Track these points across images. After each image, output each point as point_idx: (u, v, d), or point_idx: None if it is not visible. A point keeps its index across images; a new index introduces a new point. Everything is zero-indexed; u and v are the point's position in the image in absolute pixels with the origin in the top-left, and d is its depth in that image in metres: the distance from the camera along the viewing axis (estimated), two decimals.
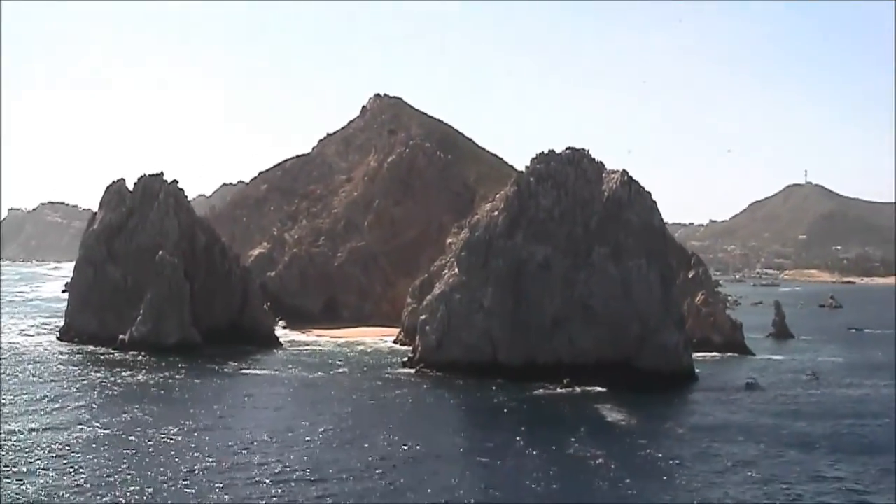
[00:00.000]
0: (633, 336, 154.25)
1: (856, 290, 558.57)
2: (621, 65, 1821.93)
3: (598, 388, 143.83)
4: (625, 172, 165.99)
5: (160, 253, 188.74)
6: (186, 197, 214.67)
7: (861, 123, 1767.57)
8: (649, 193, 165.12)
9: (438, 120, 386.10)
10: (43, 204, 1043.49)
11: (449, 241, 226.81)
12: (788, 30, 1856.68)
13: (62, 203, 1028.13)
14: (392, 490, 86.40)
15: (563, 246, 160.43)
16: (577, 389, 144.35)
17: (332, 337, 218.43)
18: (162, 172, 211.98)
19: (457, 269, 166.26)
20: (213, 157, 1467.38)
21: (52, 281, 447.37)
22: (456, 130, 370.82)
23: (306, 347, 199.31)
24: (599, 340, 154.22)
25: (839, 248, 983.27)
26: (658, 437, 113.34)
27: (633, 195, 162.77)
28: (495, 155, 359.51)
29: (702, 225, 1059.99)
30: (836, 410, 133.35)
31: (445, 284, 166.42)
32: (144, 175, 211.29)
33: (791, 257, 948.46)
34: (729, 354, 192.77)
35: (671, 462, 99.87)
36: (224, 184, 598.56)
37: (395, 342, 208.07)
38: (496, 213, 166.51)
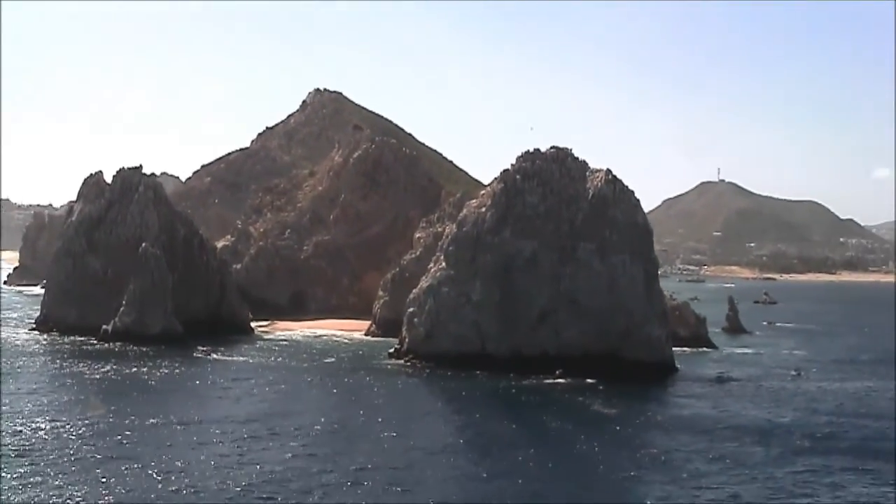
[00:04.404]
0: (618, 329, 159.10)
1: (781, 287, 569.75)
2: (548, 60, 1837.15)
3: (587, 380, 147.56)
4: (609, 171, 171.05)
5: (143, 245, 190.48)
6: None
7: (773, 123, 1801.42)
8: (632, 192, 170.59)
9: (380, 115, 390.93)
10: None
11: (417, 235, 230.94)
12: (702, 29, 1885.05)
13: None
14: (395, 481, 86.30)
15: (550, 242, 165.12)
16: (566, 380, 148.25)
17: (302, 329, 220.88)
18: (141, 165, 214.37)
19: (444, 263, 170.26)
20: (147, 152, 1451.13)
21: None
22: (397, 126, 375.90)
23: (282, 339, 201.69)
24: (585, 333, 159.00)
25: (753, 244, 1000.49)
26: (649, 428, 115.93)
27: (617, 193, 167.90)
28: (435, 150, 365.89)
29: None
30: (820, 405, 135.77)
31: (433, 278, 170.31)
32: (123, 168, 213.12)
33: (707, 254, 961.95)
34: (695, 349, 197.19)
35: (663, 453, 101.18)
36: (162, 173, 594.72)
37: (366, 334, 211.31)
38: (483, 209, 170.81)
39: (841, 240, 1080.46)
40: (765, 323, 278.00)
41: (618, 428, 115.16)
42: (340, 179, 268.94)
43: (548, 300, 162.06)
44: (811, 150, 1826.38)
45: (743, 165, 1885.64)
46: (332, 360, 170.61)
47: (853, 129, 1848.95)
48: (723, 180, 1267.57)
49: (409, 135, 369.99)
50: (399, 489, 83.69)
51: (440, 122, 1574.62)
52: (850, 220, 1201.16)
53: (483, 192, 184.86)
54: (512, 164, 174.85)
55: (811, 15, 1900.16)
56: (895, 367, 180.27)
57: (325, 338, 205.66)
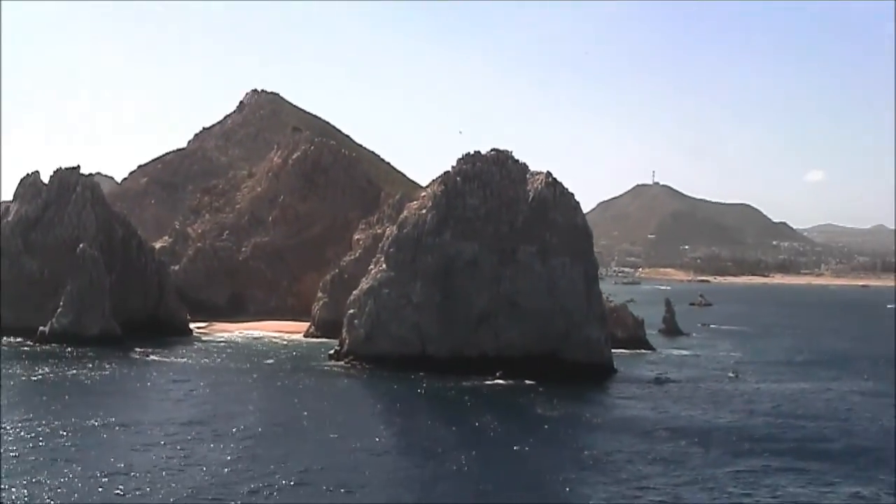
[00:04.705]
0: (558, 331, 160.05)
1: (716, 289, 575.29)
2: (483, 62, 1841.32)
3: (527, 381, 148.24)
4: (549, 174, 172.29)
5: (81, 245, 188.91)
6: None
7: (707, 125, 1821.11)
8: (572, 195, 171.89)
9: (317, 116, 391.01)
10: None
11: (356, 236, 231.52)
12: (638, 30, 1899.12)
13: None
14: (339, 483, 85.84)
15: (490, 244, 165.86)
16: (506, 382, 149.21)
17: (241, 330, 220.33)
18: (78, 166, 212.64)
19: (385, 265, 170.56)
20: (81, 153, 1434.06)
21: None
22: (334, 127, 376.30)
23: (221, 340, 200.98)
24: (525, 335, 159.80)
25: (687, 247, 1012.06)
26: (589, 430, 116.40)
27: (557, 196, 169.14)
28: (372, 152, 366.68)
29: None
30: (758, 406, 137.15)
31: (373, 279, 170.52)
32: (60, 168, 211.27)
33: (641, 256, 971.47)
34: (633, 350, 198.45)
35: (604, 455, 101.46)
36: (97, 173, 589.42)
37: (305, 336, 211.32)
38: (424, 211, 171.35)
39: (773, 242, 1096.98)
40: (700, 325, 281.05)
41: (558, 429, 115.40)
42: (279, 181, 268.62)
43: (488, 302, 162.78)
44: (744, 153, 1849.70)
45: (677, 168, 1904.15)
46: (272, 361, 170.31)
47: (786, 132, 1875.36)
48: (657, 183, 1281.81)
49: (347, 136, 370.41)
50: (343, 490, 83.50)
51: (376, 124, 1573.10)
52: (783, 223, 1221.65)
53: (423, 193, 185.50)
54: (452, 167, 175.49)
55: (743, 16, 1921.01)
56: (829, 368, 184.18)
57: (264, 339, 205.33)
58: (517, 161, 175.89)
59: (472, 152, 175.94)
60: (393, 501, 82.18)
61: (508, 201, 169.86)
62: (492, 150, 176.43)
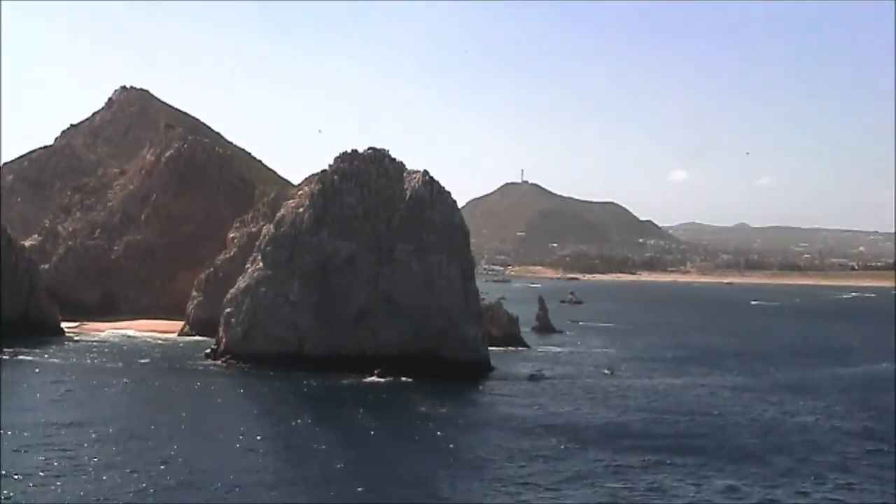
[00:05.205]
0: (435, 329, 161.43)
1: (585, 287, 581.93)
2: (347, 62, 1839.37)
3: (405, 379, 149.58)
4: (426, 172, 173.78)
5: None
6: None
7: (574, 125, 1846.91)
8: (449, 193, 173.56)
9: (188, 114, 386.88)
10: None
11: (231, 235, 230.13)
12: (503, 30, 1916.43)
13: None
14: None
15: (368, 242, 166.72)
16: (384, 380, 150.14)
17: (114, 329, 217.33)
18: None
19: (262, 264, 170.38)
20: None
21: None
22: (205, 125, 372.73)
23: (94, 340, 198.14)
24: (403, 333, 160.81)
25: (556, 245, 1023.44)
26: (468, 428, 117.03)
27: (434, 194, 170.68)
28: (244, 150, 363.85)
29: None
30: (633, 402, 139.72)
31: (250, 278, 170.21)
32: None
33: (511, 254, 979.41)
34: (508, 348, 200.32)
35: (483, 453, 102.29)
36: None
37: (179, 335, 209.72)
38: (301, 209, 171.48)
39: (640, 240, 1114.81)
40: (570, 321, 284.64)
41: (437, 428, 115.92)
42: (152, 178, 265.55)
43: (366, 300, 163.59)
44: (611, 153, 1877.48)
45: (546, 167, 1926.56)
46: (148, 360, 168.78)
47: (651, 131, 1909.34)
48: (526, 181, 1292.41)
49: (218, 134, 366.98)
50: (227, 492, 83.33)
51: (246, 122, 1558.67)
52: (649, 221, 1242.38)
53: (300, 192, 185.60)
54: (330, 165, 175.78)
55: (608, 12, 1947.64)
56: (700, 364, 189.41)
57: (137, 339, 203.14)
58: (394, 160, 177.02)
59: (349, 151, 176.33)
60: (264, 502, 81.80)
61: (386, 200, 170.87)
62: (369, 148, 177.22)
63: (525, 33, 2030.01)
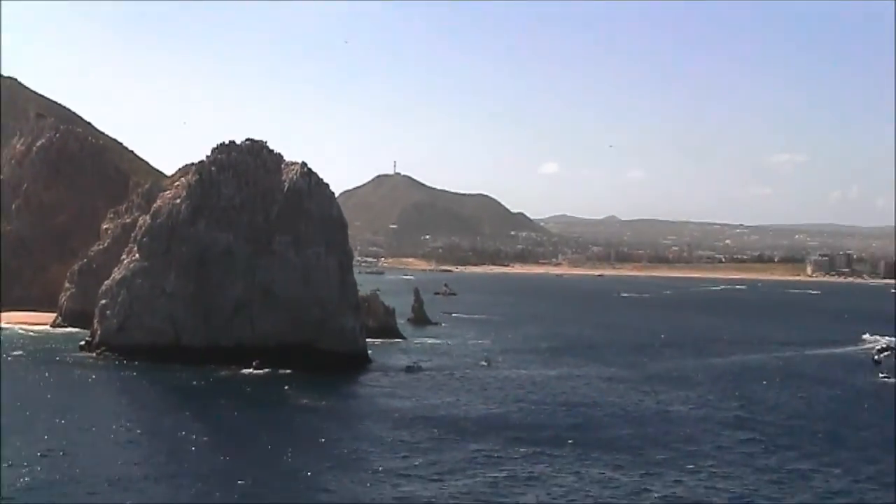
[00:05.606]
0: (313, 320, 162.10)
1: (458, 279, 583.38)
2: (217, 54, 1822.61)
3: (283, 370, 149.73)
4: (304, 164, 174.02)
5: None
6: None
7: (446, 118, 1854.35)
8: (327, 185, 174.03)
9: (58, 103, 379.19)
10: None
11: (104, 226, 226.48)
12: (384, 26, 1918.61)
13: None
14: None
15: (246, 234, 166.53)
16: (262, 371, 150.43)
17: None
18: None
19: (138, 255, 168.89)
20: None
21: None
22: (77, 115, 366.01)
23: None
24: (280, 324, 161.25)
25: (428, 237, 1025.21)
26: (346, 420, 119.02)
27: (312, 186, 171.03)
28: (115, 140, 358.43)
29: None
30: (511, 393, 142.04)
31: (126, 269, 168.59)
32: None
33: (384, 246, 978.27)
34: (384, 339, 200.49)
35: (362, 445, 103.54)
36: None
37: (52, 326, 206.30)
38: (178, 200, 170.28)
39: (511, 233, 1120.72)
40: (444, 313, 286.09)
41: (317, 420, 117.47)
42: (23, 168, 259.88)
43: (243, 292, 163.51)
44: (482, 146, 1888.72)
45: (418, 159, 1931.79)
46: (21, 353, 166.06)
47: (522, 125, 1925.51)
48: (399, 173, 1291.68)
49: (90, 124, 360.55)
50: (107, 485, 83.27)
51: (117, 113, 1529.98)
52: (521, 213, 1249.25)
53: (177, 182, 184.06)
54: (207, 156, 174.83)
55: (470, 9, 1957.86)
56: (574, 355, 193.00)
57: (8, 331, 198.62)
58: (272, 151, 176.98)
59: (226, 142, 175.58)
60: (146, 502, 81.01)
61: (264, 191, 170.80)
62: (247, 139, 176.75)
63: (399, 24, 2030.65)
